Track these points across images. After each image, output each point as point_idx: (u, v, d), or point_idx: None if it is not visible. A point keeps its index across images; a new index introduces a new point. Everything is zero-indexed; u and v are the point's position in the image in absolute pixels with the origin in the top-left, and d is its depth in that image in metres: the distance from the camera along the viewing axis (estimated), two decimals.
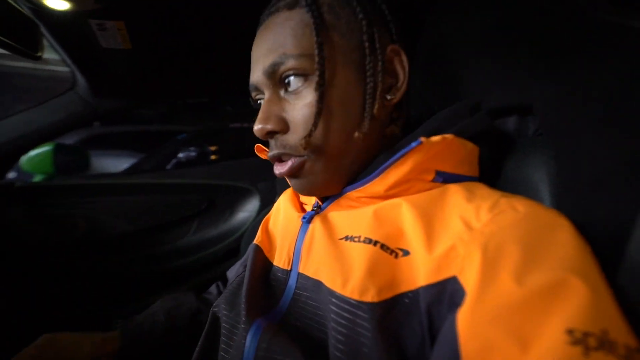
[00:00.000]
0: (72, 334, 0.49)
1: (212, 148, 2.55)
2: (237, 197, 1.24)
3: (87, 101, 0.95)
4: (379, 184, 0.34)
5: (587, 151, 0.32)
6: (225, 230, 1.22)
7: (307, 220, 0.40)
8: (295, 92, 0.35)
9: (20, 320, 0.89)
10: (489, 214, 0.28)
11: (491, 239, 0.26)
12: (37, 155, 1.27)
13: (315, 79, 0.33)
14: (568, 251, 0.25)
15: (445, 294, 0.27)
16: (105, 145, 2.74)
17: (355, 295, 0.29)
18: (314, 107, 0.33)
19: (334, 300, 0.31)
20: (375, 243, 0.31)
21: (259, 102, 0.40)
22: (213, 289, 0.65)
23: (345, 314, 0.29)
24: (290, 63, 0.33)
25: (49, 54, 0.75)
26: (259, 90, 0.38)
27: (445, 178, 0.35)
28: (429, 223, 0.30)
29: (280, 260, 0.41)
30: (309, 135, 0.33)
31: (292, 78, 0.34)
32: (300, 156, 0.36)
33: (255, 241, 0.47)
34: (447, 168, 0.35)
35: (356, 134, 0.35)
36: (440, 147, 0.33)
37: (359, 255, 0.32)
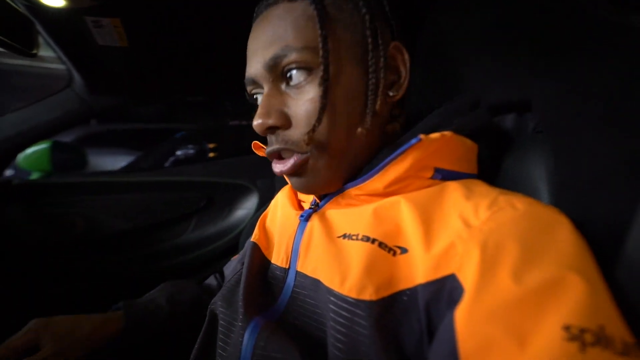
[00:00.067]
0: (68, 316, 0.47)
1: (211, 145, 2.55)
2: (235, 195, 1.24)
3: (83, 99, 0.94)
4: (378, 181, 0.34)
5: (586, 149, 0.32)
6: (224, 227, 1.22)
7: (305, 218, 0.40)
8: (298, 87, 0.34)
9: (18, 320, 0.89)
10: (488, 212, 0.28)
11: (490, 237, 0.26)
12: (34, 152, 1.26)
13: (318, 73, 0.32)
14: (566, 248, 0.25)
15: (444, 292, 0.27)
16: (103, 144, 2.73)
17: (353, 294, 0.29)
18: (317, 102, 0.32)
19: (332, 298, 0.31)
20: (374, 241, 0.31)
21: (255, 96, 0.39)
22: (211, 280, 0.64)
23: (344, 313, 0.29)
24: (293, 56, 0.32)
25: (45, 52, 0.74)
26: (256, 84, 0.37)
27: (444, 175, 0.35)
28: (427, 221, 0.30)
29: (278, 258, 0.41)
30: (313, 130, 0.32)
31: (294, 72, 0.33)
32: (302, 153, 0.35)
33: (252, 239, 0.47)
34: (446, 165, 0.35)
35: (359, 129, 0.34)
36: (439, 144, 0.33)
37: (357, 254, 0.31)
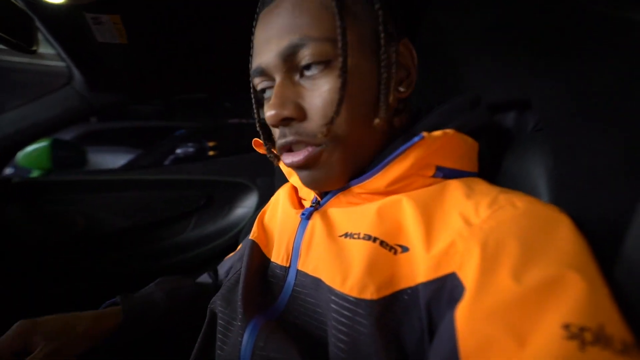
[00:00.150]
0: (60, 315, 0.45)
1: (211, 144, 2.55)
2: (235, 193, 1.24)
3: (83, 96, 0.94)
4: (380, 179, 0.34)
5: (586, 147, 0.32)
6: (224, 226, 1.22)
7: (307, 216, 0.40)
8: (313, 78, 0.33)
9: (18, 318, 0.89)
10: (488, 210, 0.28)
11: (490, 235, 0.26)
12: (34, 150, 1.26)
13: (335, 64, 0.32)
14: (566, 247, 0.25)
15: (445, 290, 0.27)
16: (103, 142, 2.73)
17: (354, 293, 0.29)
18: (335, 94, 0.32)
19: (333, 297, 0.31)
20: (375, 239, 0.31)
21: (261, 89, 0.37)
22: (205, 277, 0.63)
23: (345, 312, 0.29)
24: (312, 46, 0.32)
25: (44, 49, 0.74)
26: (265, 75, 0.35)
27: (445, 173, 0.35)
28: (429, 219, 0.30)
29: (278, 256, 0.41)
30: (331, 122, 0.32)
31: (311, 62, 0.32)
32: (316, 145, 0.34)
33: (251, 236, 0.46)
34: (448, 163, 0.34)
35: (376, 120, 0.34)
36: (441, 142, 0.33)
37: (359, 252, 0.31)
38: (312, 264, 0.36)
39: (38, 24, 0.68)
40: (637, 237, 0.26)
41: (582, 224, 0.27)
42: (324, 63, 0.32)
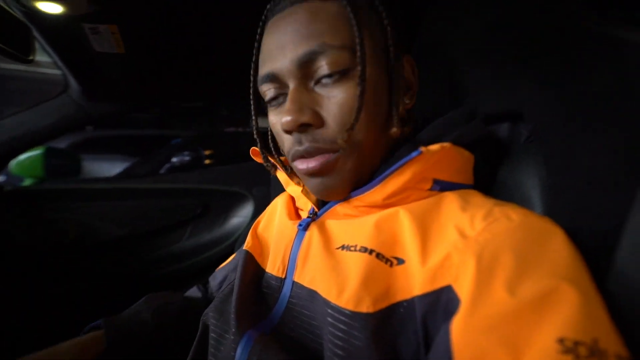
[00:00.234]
0: (42, 352, 0.44)
1: (207, 152, 2.54)
2: (231, 202, 1.24)
3: (79, 105, 0.94)
4: (378, 192, 0.34)
5: (577, 159, 0.33)
6: (220, 235, 1.21)
7: (304, 227, 0.39)
8: (331, 85, 0.33)
9: (9, 327, 0.87)
10: (483, 223, 0.28)
11: (485, 248, 0.26)
12: (27, 158, 1.25)
13: (353, 73, 0.33)
14: (560, 259, 0.25)
15: (440, 303, 0.27)
16: (98, 149, 2.71)
17: (350, 306, 0.29)
18: (353, 101, 0.33)
19: (329, 311, 0.30)
20: (371, 252, 0.31)
21: (270, 96, 0.37)
22: (194, 291, 0.62)
23: (341, 325, 0.29)
24: (331, 54, 0.32)
25: (41, 57, 0.74)
26: (277, 81, 0.35)
27: (442, 186, 0.35)
28: (425, 232, 0.30)
29: (274, 267, 0.40)
30: (351, 128, 0.32)
31: (328, 70, 0.33)
32: (333, 152, 0.34)
33: (245, 246, 0.46)
34: (444, 176, 0.35)
35: (394, 129, 0.35)
36: (438, 156, 0.33)
37: (355, 265, 0.31)
38: (309, 276, 0.36)
39: (35, 33, 0.68)
40: (629, 247, 0.26)
41: (575, 235, 0.27)
42: (342, 71, 0.33)
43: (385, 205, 0.35)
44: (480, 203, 0.31)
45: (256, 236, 0.47)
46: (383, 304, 0.29)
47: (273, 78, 0.35)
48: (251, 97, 0.40)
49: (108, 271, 1.06)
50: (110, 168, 2.54)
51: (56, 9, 0.60)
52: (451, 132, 0.36)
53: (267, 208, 0.53)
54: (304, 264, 0.37)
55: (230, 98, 1.25)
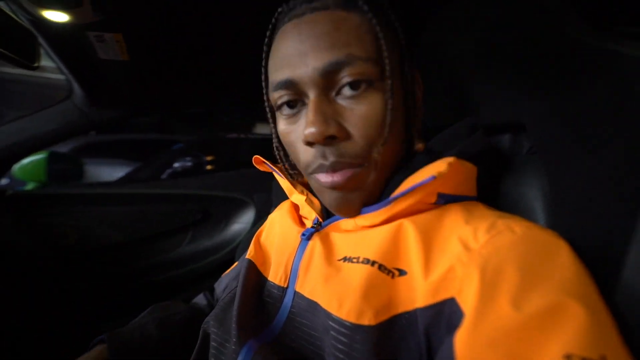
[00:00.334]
0: None
1: (208, 158, 2.55)
2: (232, 208, 1.23)
3: (83, 111, 0.95)
4: (385, 212, 0.34)
5: (580, 170, 0.33)
6: (220, 241, 1.21)
7: (307, 237, 0.39)
8: (355, 97, 0.32)
9: (9, 331, 0.86)
10: (487, 235, 0.28)
11: (489, 261, 0.26)
12: (30, 163, 1.26)
13: (378, 85, 0.32)
14: (566, 273, 0.25)
15: (443, 316, 0.26)
16: (100, 154, 2.72)
17: (351, 318, 0.29)
18: (378, 115, 0.32)
19: (330, 322, 0.30)
20: (374, 263, 0.31)
21: (281, 103, 0.35)
22: (200, 299, 0.62)
23: (342, 338, 0.29)
24: (358, 66, 0.31)
25: (45, 62, 0.75)
26: (295, 89, 0.33)
27: (446, 199, 0.35)
28: (428, 244, 0.30)
29: (276, 276, 0.40)
30: (385, 142, 0.32)
31: (352, 82, 0.32)
32: (358, 166, 0.34)
33: (247, 255, 0.46)
34: (449, 190, 0.35)
35: (419, 145, 0.36)
36: (448, 175, 0.33)
37: (357, 276, 0.31)
38: (309, 286, 0.35)
39: (41, 41, 0.69)
40: (637, 259, 0.26)
41: (579, 248, 0.27)
42: (367, 83, 0.32)
43: (389, 220, 0.35)
44: (484, 215, 0.31)
45: (259, 245, 0.47)
46: (384, 316, 0.29)
47: (290, 85, 0.33)
48: (265, 103, 0.39)
49: (108, 276, 1.06)
50: (112, 172, 2.54)
51: (62, 18, 0.60)
52: (454, 145, 0.36)
53: (269, 217, 0.53)
54: (306, 274, 0.37)
55: (232, 104, 1.26)
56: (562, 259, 0.26)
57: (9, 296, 0.91)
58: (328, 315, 0.31)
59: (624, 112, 0.29)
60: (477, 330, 0.23)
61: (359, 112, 0.32)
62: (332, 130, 0.32)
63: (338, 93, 0.33)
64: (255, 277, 0.42)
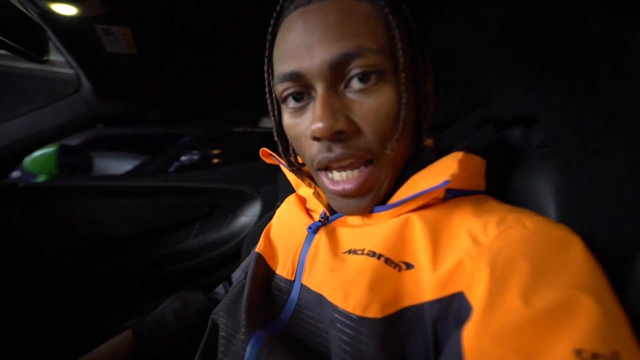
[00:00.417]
0: (87, 357, 0.48)
1: (215, 152, 2.56)
2: (239, 202, 1.24)
3: (91, 104, 0.96)
4: (395, 211, 0.34)
5: (594, 164, 0.32)
6: (227, 234, 1.22)
7: (313, 230, 0.39)
8: (364, 90, 0.31)
9: (21, 321, 0.89)
10: (497, 230, 0.28)
11: (499, 255, 0.26)
12: (41, 155, 1.28)
13: (389, 78, 0.31)
14: (578, 268, 0.24)
15: (452, 310, 0.26)
16: (109, 147, 2.75)
17: (358, 311, 0.29)
18: (389, 108, 0.31)
19: (336, 315, 0.30)
20: (380, 257, 0.31)
21: (286, 95, 0.34)
22: (220, 289, 0.64)
23: (348, 330, 0.29)
24: (370, 58, 0.30)
25: (54, 56, 0.75)
26: (302, 81, 0.32)
27: (454, 194, 0.34)
28: (436, 238, 0.30)
29: (284, 269, 0.40)
30: (399, 138, 0.31)
31: (362, 74, 0.30)
32: (367, 160, 0.33)
33: (257, 249, 0.46)
34: (457, 185, 0.34)
35: (428, 140, 0.35)
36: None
37: (362, 269, 0.31)
38: (315, 279, 0.35)
39: (50, 34, 0.69)
40: None
41: (592, 243, 0.27)
42: (377, 75, 0.31)
43: (397, 215, 0.34)
44: (494, 209, 0.31)
45: (268, 239, 0.48)
46: (391, 309, 0.29)
47: (296, 78, 0.32)
48: (267, 95, 0.38)
49: (115, 267, 1.08)
50: (119, 166, 2.57)
51: (70, 11, 0.61)
52: (463, 139, 0.36)
53: (276, 212, 0.53)
54: (312, 267, 0.37)
55: (239, 98, 1.26)
56: (574, 253, 0.25)
57: (20, 287, 0.93)
58: (334, 307, 0.31)
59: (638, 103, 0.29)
60: (485, 324, 0.23)
61: (368, 105, 0.31)
62: (341, 125, 0.31)
63: (347, 86, 0.32)
64: (263, 270, 0.43)
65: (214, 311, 0.44)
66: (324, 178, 0.35)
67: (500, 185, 0.40)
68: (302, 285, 0.37)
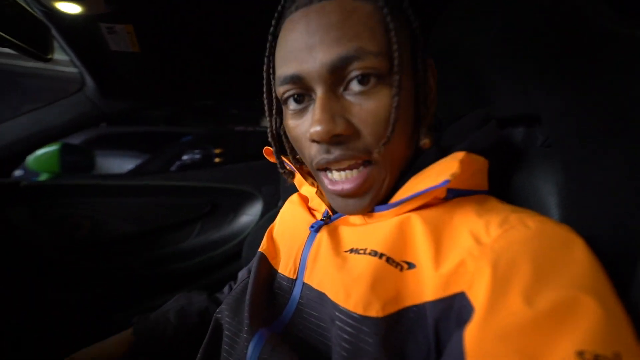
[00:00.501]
0: (89, 349, 0.50)
1: (217, 151, 2.57)
2: (240, 201, 1.25)
3: (95, 102, 0.96)
4: (396, 210, 0.34)
5: (597, 164, 0.32)
6: (228, 233, 1.22)
7: (316, 229, 0.39)
8: (363, 93, 0.31)
9: (23, 320, 0.89)
10: (499, 230, 0.28)
11: (501, 255, 0.26)
12: (43, 154, 1.28)
13: (387, 80, 0.31)
14: (580, 269, 0.24)
15: (453, 310, 0.26)
16: (111, 146, 2.76)
17: (359, 310, 0.29)
18: (387, 111, 0.31)
19: (337, 314, 0.30)
20: (381, 256, 0.31)
21: (286, 97, 0.34)
22: (226, 289, 0.64)
23: (349, 329, 0.29)
24: (369, 60, 0.30)
25: (58, 55, 0.76)
26: (300, 84, 0.32)
27: (456, 194, 0.34)
28: (438, 237, 0.30)
29: (286, 268, 0.40)
30: (387, 142, 0.31)
31: (361, 77, 0.30)
32: (366, 162, 0.33)
33: (260, 248, 0.46)
34: (459, 185, 0.34)
35: (425, 140, 0.34)
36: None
37: (363, 268, 0.31)
38: (317, 277, 0.36)
39: (54, 32, 0.70)
40: None
41: (595, 244, 0.27)
42: (377, 78, 0.31)
43: (398, 214, 0.34)
44: (496, 209, 0.31)
45: (271, 239, 0.48)
46: (392, 309, 0.29)
47: (297, 80, 0.32)
48: (265, 96, 0.38)
49: (117, 266, 1.08)
50: (121, 164, 2.58)
51: (74, 9, 0.61)
52: (465, 138, 0.35)
53: (280, 211, 0.53)
54: (314, 265, 0.37)
55: (241, 97, 1.26)
56: (576, 254, 0.25)
57: (22, 285, 0.93)
58: (335, 306, 0.31)
59: None
60: (487, 325, 0.23)
61: (367, 107, 0.31)
62: (339, 129, 0.31)
63: (346, 88, 0.32)
64: (266, 269, 0.43)
65: (217, 310, 0.44)
66: (324, 178, 0.35)
67: (501, 185, 0.40)
68: (304, 283, 0.37)
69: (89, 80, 0.91)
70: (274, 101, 0.38)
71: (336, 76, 0.31)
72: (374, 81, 0.31)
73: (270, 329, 0.34)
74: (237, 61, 0.89)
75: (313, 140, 0.32)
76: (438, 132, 0.39)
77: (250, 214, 1.24)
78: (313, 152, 0.34)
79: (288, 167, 0.43)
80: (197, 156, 2.52)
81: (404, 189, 0.34)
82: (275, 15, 0.35)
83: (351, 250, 0.34)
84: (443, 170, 0.31)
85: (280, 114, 0.39)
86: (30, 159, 1.20)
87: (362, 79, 0.31)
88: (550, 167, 0.37)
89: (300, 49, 0.31)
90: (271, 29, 0.35)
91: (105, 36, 0.70)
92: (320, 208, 0.43)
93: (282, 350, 0.32)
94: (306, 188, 0.44)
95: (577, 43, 0.36)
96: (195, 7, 0.66)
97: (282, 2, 0.35)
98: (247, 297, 0.38)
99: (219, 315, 0.42)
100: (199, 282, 1.15)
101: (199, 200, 1.21)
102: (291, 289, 0.38)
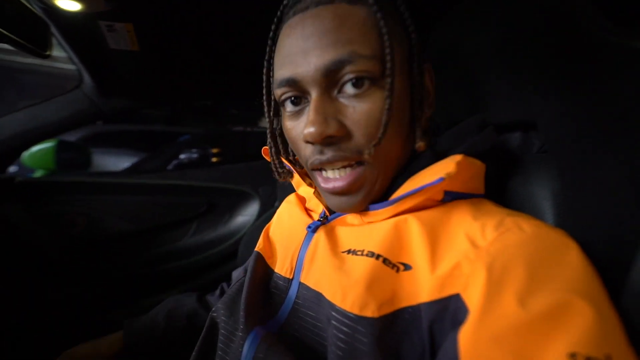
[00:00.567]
0: (84, 346, 0.52)
1: (215, 150, 2.56)
2: (237, 201, 1.24)
3: (92, 100, 0.95)
4: (392, 210, 0.34)
5: (592, 170, 0.32)
6: (224, 233, 1.22)
7: (313, 229, 0.40)
8: (356, 95, 0.32)
9: (18, 318, 0.88)
10: (495, 232, 0.28)
11: (497, 258, 0.26)
12: (39, 150, 1.27)
13: (380, 83, 0.32)
14: (573, 273, 0.25)
15: (448, 311, 0.27)
16: (108, 144, 2.74)
17: (355, 310, 0.29)
18: (380, 113, 0.32)
19: (333, 313, 0.30)
20: (378, 257, 0.31)
21: (283, 99, 0.36)
22: (217, 291, 0.64)
23: (345, 328, 0.29)
24: (361, 64, 0.30)
25: (56, 52, 0.75)
26: (296, 87, 0.33)
27: (452, 197, 0.35)
28: (434, 240, 0.30)
29: (282, 268, 0.41)
30: (378, 143, 0.31)
31: (355, 80, 0.31)
32: (359, 162, 0.34)
33: (256, 248, 0.46)
34: (456, 187, 0.34)
35: (420, 143, 0.35)
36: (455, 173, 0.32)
37: (360, 269, 0.31)
38: (314, 277, 0.36)
39: (53, 29, 0.69)
40: None
41: (588, 249, 0.27)
42: (370, 81, 0.31)
43: (395, 215, 0.35)
44: (492, 212, 0.31)
45: (267, 238, 0.48)
46: (388, 309, 0.29)
47: (292, 83, 0.33)
48: (264, 97, 0.39)
49: (113, 264, 1.08)
50: (118, 162, 2.57)
51: (74, 6, 0.61)
52: (463, 142, 0.36)
53: (277, 211, 0.53)
54: (310, 265, 0.37)
55: (240, 98, 1.26)
56: (570, 258, 0.26)
57: (17, 283, 0.92)
58: (332, 306, 0.31)
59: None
60: (482, 326, 0.23)
61: (360, 110, 0.32)
62: (332, 130, 0.32)
63: (340, 91, 0.33)
64: (262, 269, 0.43)
65: (213, 309, 0.44)
66: (318, 177, 0.36)
67: (498, 189, 0.41)
68: (300, 283, 0.37)
69: (86, 78, 0.91)
70: (273, 103, 0.39)
71: (330, 79, 0.32)
72: (368, 84, 0.32)
73: (265, 328, 0.34)
74: (237, 61, 0.89)
75: (307, 141, 0.33)
76: (435, 136, 0.40)
77: (247, 214, 1.23)
78: (308, 153, 0.35)
79: (287, 168, 0.43)
80: (195, 155, 2.51)
81: (399, 190, 0.34)
82: (275, 20, 0.36)
83: (349, 252, 0.34)
84: (439, 170, 0.31)
85: (278, 115, 0.40)
86: (26, 155, 1.19)
87: (356, 82, 0.31)
88: (546, 173, 0.37)
89: (296, 53, 0.32)
90: (270, 34, 0.37)
91: (104, 34, 0.70)
92: (318, 209, 0.43)
93: (278, 350, 0.32)
94: (304, 189, 0.44)
95: (573, 51, 0.36)
96: (196, 7, 0.66)
97: (281, 7, 0.36)
98: (243, 296, 0.38)
99: (215, 314, 0.42)
100: (194, 281, 1.15)
101: (195, 199, 1.21)
102: (287, 288, 0.38)
